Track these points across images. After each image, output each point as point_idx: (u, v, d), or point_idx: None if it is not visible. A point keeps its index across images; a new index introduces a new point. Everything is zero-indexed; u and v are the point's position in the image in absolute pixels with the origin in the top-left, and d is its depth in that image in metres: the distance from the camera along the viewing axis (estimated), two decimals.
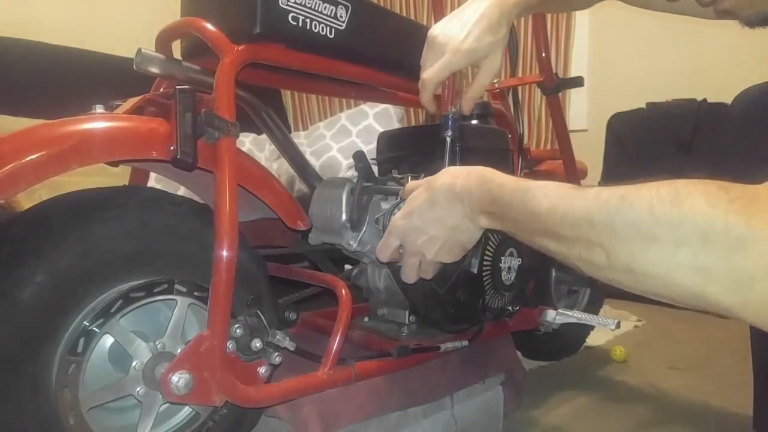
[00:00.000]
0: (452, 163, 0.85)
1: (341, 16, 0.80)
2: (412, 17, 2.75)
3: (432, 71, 0.78)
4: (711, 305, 0.40)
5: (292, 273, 0.91)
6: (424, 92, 0.80)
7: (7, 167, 0.56)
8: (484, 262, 0.84)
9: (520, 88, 1.40)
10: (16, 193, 0.57)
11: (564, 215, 0.49)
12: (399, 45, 0.93)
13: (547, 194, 0.53)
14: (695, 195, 0.40)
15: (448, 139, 0.83)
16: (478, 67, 0.80)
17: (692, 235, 0.39)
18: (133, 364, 0.64)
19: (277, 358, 0.72)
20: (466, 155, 0.87)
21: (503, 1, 0.78)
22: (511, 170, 1.02)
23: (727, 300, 0.39)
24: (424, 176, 0.85)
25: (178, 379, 0.63)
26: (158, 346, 0.66)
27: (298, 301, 0.94)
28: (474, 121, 1.06)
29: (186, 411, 0.71)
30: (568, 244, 0.50)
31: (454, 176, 0.67)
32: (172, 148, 0.67)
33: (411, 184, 0.76)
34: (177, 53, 0.83)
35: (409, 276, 0.74)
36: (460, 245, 0.70)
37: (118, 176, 0.95)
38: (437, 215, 0.67)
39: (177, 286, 0.67)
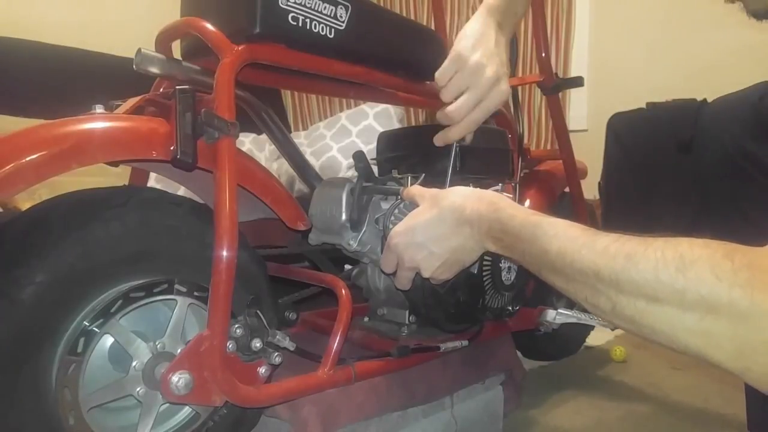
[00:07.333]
0: (454, 165, 0.85)
1: (341, 16, 0.80)
2: (412, 17, 2.75)
3: (482, 113, 0.79)
4: (713, 365, 0.42)
5: (292, 273, 0.91)
6: (467, 128, 0.81)
7: (7, 167, 0.56)
8: (484, 262, 0.84)
9: (520, 88, 1.40)
10: (16, 192, 0.57)
11: (572, 262, 0.50)
12: (399, 45, 0.92)
13: (557, 235, 0.53)
14: (700, 263, 0.41)
15: (455, 143, 0.84)
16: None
17: (697, 303, 0.40)
18: (133, 364, 0.64)
19: (277, 358, 0.72)
20: (465, 155, 0.87)
21: (496, 22, 0.80)
22: (511, 170, 1.01)
23: (729, 365, 0.41)
24: (424, 177, 0.85)
25: (178, 379, 0.63)
26: (158, 346, 0.66)
27: (298, 301, 0.95)
28: None
29: (186, 411, 0.71)
30: (575, 286, 0.51)
31: (463, 197, 0.66)
32: (172, 148, 0.67)
33: (412, 189, 0.76)
34: (177, 53, 0.83)
35: (404, 286, 0.74)
36: (460, 264, 0.70)
37: (118, 176, 0.95)
38: (441, 234, 0.67)
39: (177, 286, 0.67)
